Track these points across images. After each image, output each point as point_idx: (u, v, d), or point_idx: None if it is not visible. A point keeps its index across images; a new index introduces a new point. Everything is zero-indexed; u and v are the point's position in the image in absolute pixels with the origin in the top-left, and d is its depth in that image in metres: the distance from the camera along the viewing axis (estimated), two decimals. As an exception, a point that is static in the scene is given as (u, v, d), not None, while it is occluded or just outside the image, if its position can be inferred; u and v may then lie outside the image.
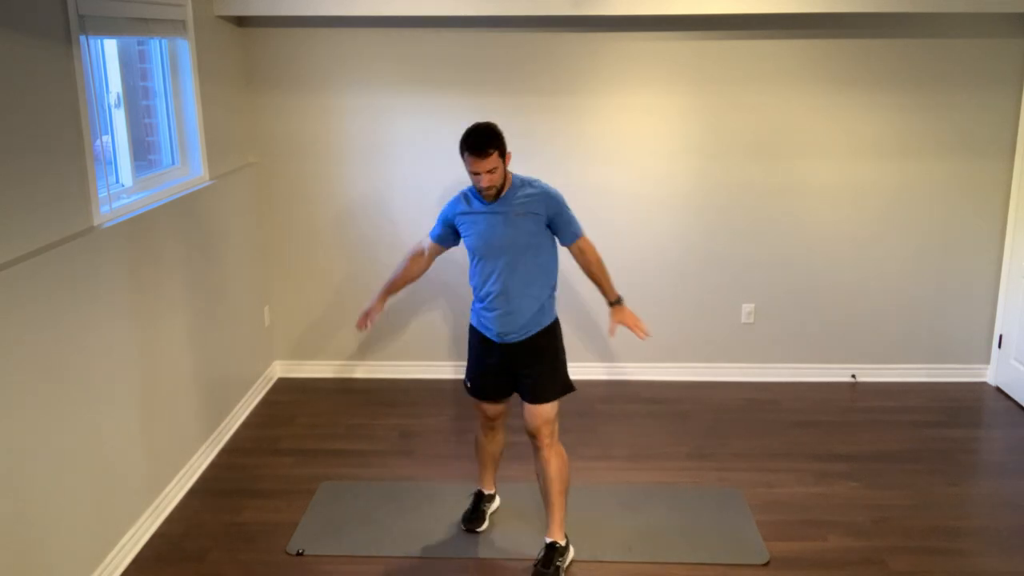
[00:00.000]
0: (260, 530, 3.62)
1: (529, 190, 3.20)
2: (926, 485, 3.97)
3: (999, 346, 5.01)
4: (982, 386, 5.07)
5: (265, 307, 5.06)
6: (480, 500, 3.64)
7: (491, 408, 3.44)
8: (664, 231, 4.96)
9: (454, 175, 4.85)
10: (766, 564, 3.38)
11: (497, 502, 3.71)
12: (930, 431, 4.50)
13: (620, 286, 4.86)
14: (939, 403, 4.84)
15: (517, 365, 3.29)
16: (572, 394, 3.37)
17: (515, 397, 3.39)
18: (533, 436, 3.29)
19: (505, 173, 3.16)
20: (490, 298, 3.24)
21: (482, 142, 3.03)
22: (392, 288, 3.46)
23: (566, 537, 3.38)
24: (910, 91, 4.74)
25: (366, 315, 3.42)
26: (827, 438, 4.42)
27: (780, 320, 5.09)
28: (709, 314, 5.09)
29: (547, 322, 3.29)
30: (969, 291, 5.02)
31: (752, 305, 5.07)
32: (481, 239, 3.21)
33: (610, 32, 4.68)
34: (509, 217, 3.17)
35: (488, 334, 3.30)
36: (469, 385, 3.44)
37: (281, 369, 5.25)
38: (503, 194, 3.19)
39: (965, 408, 4.79)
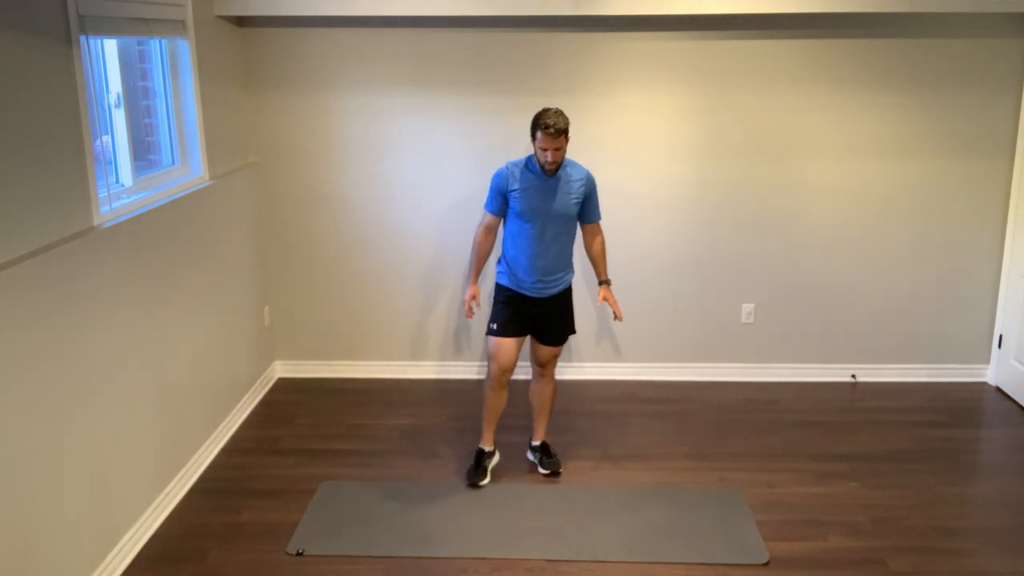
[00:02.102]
0: (260, 530, 3.62)
1: (577, 170, 3.79)
2: (926, 485, 3.97)
3: (999, 346, 5.01)
4: (982, 386, 5.07)
5: (265, 307, 5.06)
6: (482, 456, 4.02)
7: (507, 357, 3.84)
8: (664, 231, 4.97)
9: (454, 174, 4.85)
10: (766, 564, 3.38)
11: (496, 457, 4.09)
12: (930, 431, 4.51)
13: (620, 285, 4.92)
14: (939, 403, 4.85)
15: (543, 314, 3.86)
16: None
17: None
18: (543, 366, 3.97)
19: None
20: (535, 258, 3.76)
21: (561, 127, 3.56)
22: (480, 268, 3.93)
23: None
24: (910, 91, 4.74)
25: (470, 302, 3.89)
26: (827, 438, 4.42)
27: (780, 320, 5.09)
28: (709, 314, 5.09)
29: (571, 279, 3.93)
30: (969, 291, 5.02)
31: (752, 305, 5.07)
32: (534, 207, 3.72)
33: (610, 32, 4.68)
34: (561, 190, 3.73)
35: (522, 290, 3.83)
36: (496, 327, 3.87)
37: (281, 369, 5.25)
38: (559, 170, 3.73)
39: (965, 408, 4.79)
